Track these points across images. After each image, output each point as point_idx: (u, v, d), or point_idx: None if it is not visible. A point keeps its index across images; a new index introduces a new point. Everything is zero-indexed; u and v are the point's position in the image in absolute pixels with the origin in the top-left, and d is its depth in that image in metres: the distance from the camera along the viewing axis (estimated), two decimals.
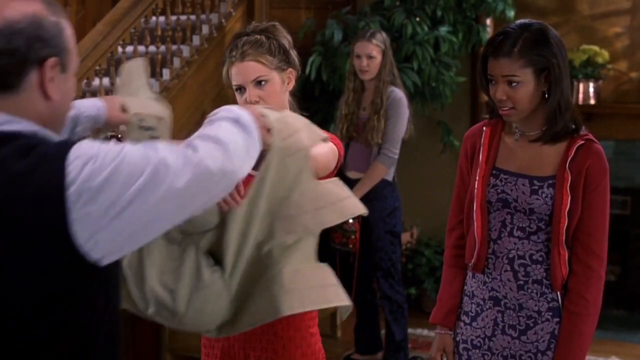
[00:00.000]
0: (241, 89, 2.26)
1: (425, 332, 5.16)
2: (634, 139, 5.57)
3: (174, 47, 5.09)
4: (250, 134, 1.66)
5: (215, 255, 1.99)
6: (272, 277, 1.97)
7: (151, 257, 1.95)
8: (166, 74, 4.95)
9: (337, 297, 2.04)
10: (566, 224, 2.31)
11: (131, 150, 1.45)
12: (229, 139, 1.57)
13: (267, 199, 1.96)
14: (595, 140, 2.34)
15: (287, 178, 1.97)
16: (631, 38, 5.59)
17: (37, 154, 1.42)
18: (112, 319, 1.57)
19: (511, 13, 5.30)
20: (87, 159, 1.41)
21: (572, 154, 2.31)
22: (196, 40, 5.17)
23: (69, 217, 1.39)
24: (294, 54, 2.34)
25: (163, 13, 5.06)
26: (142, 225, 1.45)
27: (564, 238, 2.32)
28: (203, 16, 5.28)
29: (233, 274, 1.98)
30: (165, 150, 1.47)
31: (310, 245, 2.03)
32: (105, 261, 1.45)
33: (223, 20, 5.30)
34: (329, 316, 5.06)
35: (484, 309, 2.45)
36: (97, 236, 1.41)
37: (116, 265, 1.54)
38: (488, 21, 5.50)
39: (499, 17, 5.34)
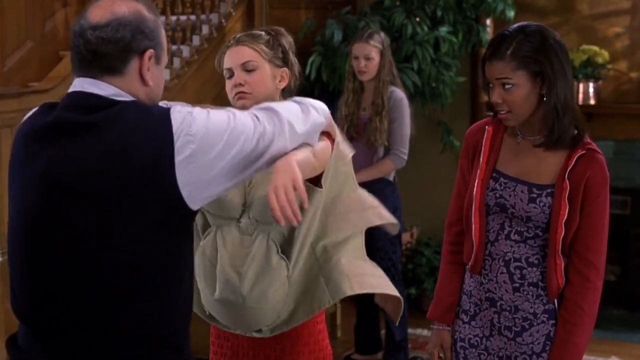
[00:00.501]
0: (230, 74, 2.26)
1: (425, 332, 5.16)
2: (634, 139, 5.56)
3: (174, 47, 5.09)
4: (304, 104, 1.98)
5: (282, 248, 2.23)
6: (332, 266, 2.24)
7: (226, 246, 2.23)
8: (166, 74, 4.94)
9: (388, 287, 2.33)
10: (563, 234, 2.29)
11: (215, 112, 1.79)
12: (281, 107, 1.90)
13: (325, 199, 2.24)
14: (597, 149, 2.31)
15: (338, 180, 2.25)
16: (631, 38, 5.59)
17: (147, 111, 1.75)
18: (192, 271, 1.88)
19: (511, 13, 5.30)
20: (185, 113, 1.74)
21: (572, 163, 2.28)
22: (196, 40, 5.17)
23: (176, 160, 1.70)
24: (293, 58, 2.33)
25: (163, 13, 5.06)
26: (218, 173, 1.75)
27: (560, 248, 2.30)
28: (203, 16, 5.28)
29: (295, 268, 2.23)
30: (238, 114, 1.81)
31: (358, 242, 2.33)
32: (191, 204, 1.74)
33: (223, 21, 5.30)
34: (329, 316, 5.06)
35: (481, 309, 2.45)
36: (191, 177, 1.72)
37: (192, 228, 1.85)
38: (488, 21, 5.50)
39: (499, 17, 5.34)
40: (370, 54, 4.34)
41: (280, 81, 2.29)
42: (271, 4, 5.58)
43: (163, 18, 5.08)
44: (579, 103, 5.48)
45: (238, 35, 2.29)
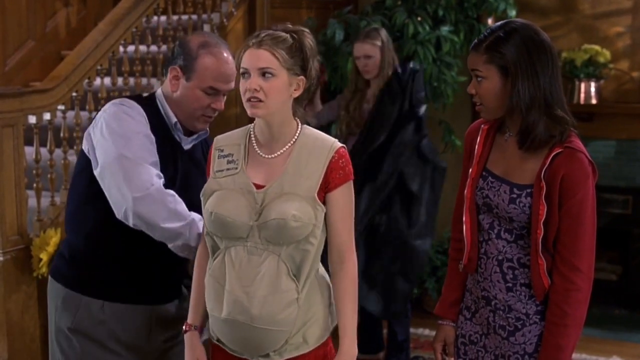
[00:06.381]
0: (246, 74, 2.21)
1: (426, 331, 5.16)
2: (635, 139, 5.56)
3: None
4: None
5: (292, 269, 2.23)
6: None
7: (234, 266, 2.22)
8: None
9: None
10: (542, 234, 2.26)
11: None
12: None
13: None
14: (578, 148, 2.26)
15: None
16: (633, 38, 5.59)
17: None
18: None
19: (512, 12, 5.29)
20: None
21: (548, 163, 2.25)
22: None
23: None
24: (313, 63, 2.26)
25: (164, 13, 5.06)
26: None
27: (540, 248, 2.27)
28: (204, 16, 5.28)
29: (303, 290, 2.24)
30: None
31: None
32: None
33: (224, 20, 5.30)
34: None
35: (479, 307, 2.46)
36: None
37: None
38: (490, 21, 5.49)
39: (500, 16, 5.33)
40: (369, 52, 4.34)
41: (295, 90, 2.24)
42: (272, 4, 5.58)
43: (164, 18, 5.09)
44: (581, 102, 5.48)
45: (262, 35, 2.21)
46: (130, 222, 2.44)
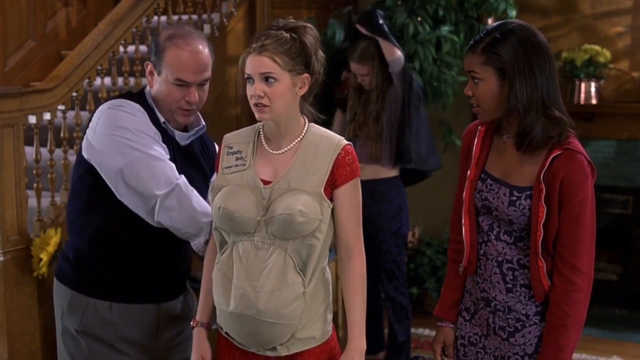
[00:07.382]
0: (250, 79, 2.25)
1: (427, 331, 5.16)
2: (635, 139, 5.57)
3: None
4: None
5: (298, 264, 2.25)
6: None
7: (242, 260, 2.25)
8: None
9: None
10: (542, 236, 2.26)
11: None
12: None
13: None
14: (577, 149, 2.25)
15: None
16: (633, 38, 5.59)
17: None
18: None
19: (513, 12, 5.29)
20: None
21: (547, 165, 2.24)
22: None
23: None
24: (319, 59, 2.29)
25: (165, 13, 5.06)
26: None
27: (540, 250, 2.27)
28: (205, 16, 5.28)
29: (309, 284, 2.27)
30: None
31: None
32: None
33: (225, 20, 5.30)
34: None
35: (478, 308, 2.45)
36: None
37: None
38: (490, 21, 5.49)
39: (500, 16, 5.33)
40: (363, 72, 4.44)
41: (300, 88, 2.27)
42: (272, 4, 5.58)
43: (164, 18, 5.08)
44: (581, 102, 5.48)
45: (263, 39, 2.23)
46: (155, 220, 2.46)
